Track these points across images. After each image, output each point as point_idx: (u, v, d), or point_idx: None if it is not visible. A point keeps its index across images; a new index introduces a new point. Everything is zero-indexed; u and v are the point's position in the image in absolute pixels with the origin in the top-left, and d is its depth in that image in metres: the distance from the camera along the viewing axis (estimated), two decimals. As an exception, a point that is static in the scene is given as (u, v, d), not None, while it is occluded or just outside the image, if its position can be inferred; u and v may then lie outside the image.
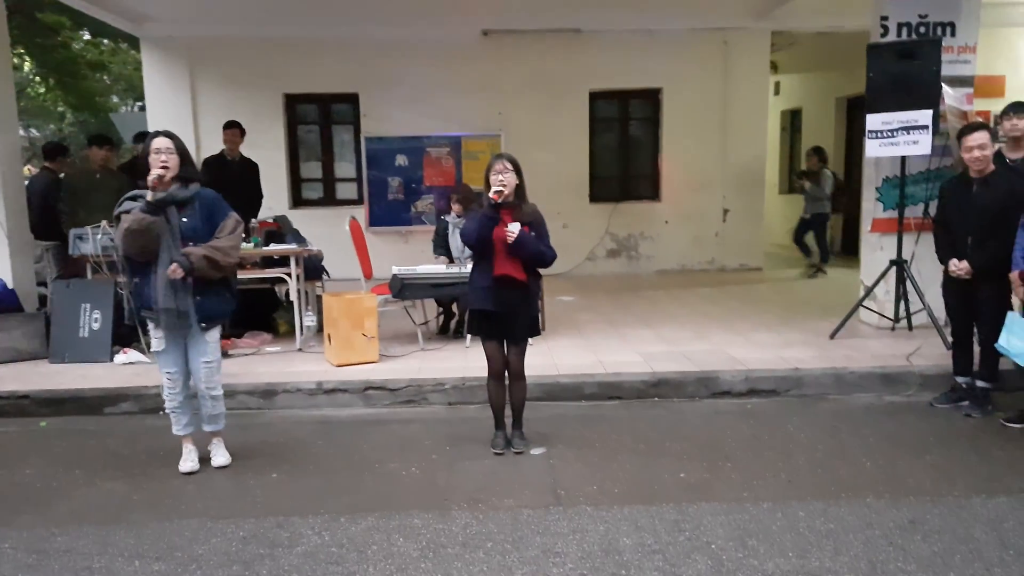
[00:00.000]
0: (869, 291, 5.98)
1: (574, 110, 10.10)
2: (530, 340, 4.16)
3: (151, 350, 3.86)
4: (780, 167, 13.55)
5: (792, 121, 13.31)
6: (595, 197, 10.27)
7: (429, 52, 9.82)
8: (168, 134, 3.75)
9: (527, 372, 4.12)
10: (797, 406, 4.80)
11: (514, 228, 3.82)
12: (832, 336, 5.81)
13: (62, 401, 4.96)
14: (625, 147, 10.54)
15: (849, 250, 11.12)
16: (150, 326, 3.82)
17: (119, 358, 5.66)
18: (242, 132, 6.95)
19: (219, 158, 7.13)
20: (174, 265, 3.65)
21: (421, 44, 9.77)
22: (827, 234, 9.64)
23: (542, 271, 4.09)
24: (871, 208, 6.22)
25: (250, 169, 6.98)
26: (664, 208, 10.26)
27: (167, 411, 3.93)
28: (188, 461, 3.92)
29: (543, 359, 5.47)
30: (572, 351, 5.73)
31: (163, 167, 3.61)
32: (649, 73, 10.01)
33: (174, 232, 3.66)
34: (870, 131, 5.67)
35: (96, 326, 5.78)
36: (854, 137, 11.04)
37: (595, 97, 10.22)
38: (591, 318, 7.07)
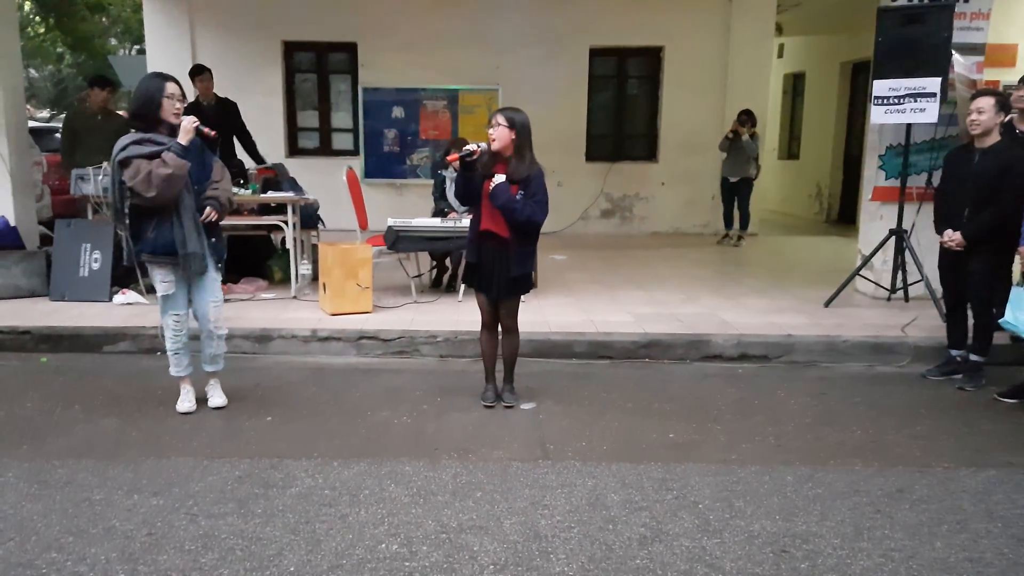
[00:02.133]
0: (867, 260, 5.97)
1: (573, 66, 9.95)
2: (522, 297, 4.13)
3: (159, 293, 3.84)
4: (780, 132, 13.45)
5: (794, 85, 13.17)
6: (591, 156, 10.20)
7: (428, 2, 9.60)
8: (175, 79, 3.77)
9: (519, 329, 4.13)
10: (788, 372, 4.83)
11: (497, 179, 3.79)
12: (827, 304, 5.83)
13: (61, 338, 4.98)
14: (623, 106, 10.42)
15: (846, 218, 11.12)
16: (156, 271, 3.79)
17: (118, 298, 5.66)
18: (211, 75, 6.81)
19: (194, 105, 6.97)
20: (208, 208, 3.78)
21: (421, -8, 9.55)
22: (749, 200, 9.29)
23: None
24: (872, 176, 6.17)
25: (229, 110, 6.84)
26: (660, 169, 10.20)
27: (170, 352, 3.93)
28: (186, 401, 3.95)
29: (534, 316, 5.48)
30: (563, 309, 5.74)
31: (176, 112, 3.67)
32: (651, 31, 9.85)
33: (189, 177, 3.70)
34: (876, 97, 5.60)
35: (96, 266, 5.76)
36: (856, 103, 10.94)
37: (595, 54, 10.07)
38: (582, 277, 7.07)
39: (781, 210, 12.90)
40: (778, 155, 13.40)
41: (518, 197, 3.78)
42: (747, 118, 8.86)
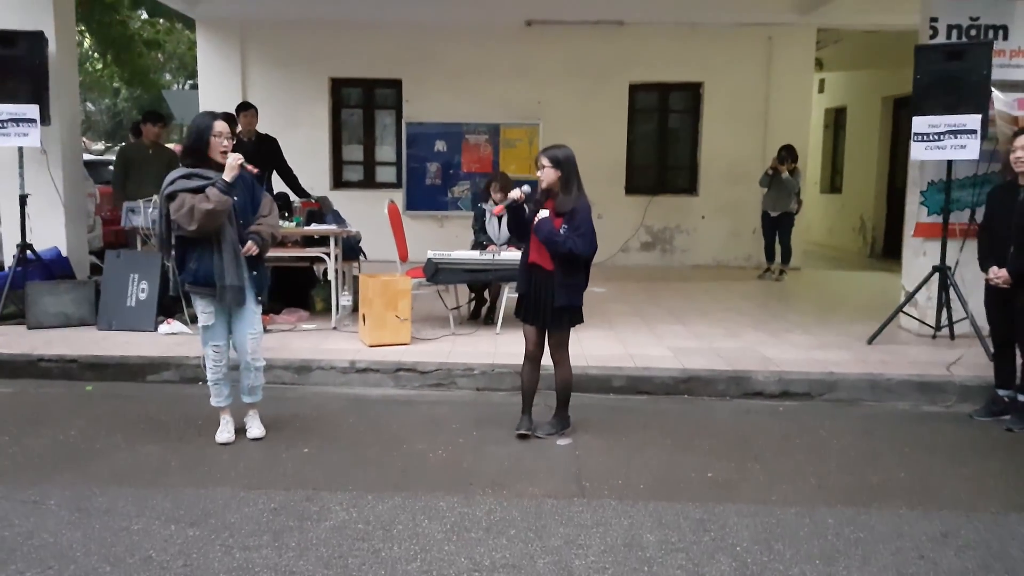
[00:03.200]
0: (910, 296, 5.86)
1: (613, 101, 10.04)
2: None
3: (198, 324, 3.96)
4: (823, 165, 13.31)
5: (836, 119, 13.06)
6: (631, 189, 10.23)
7: (472, 38, 9.84)
8: (225, 116, 3.99)
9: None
10: (830, 410, 4.73)
11: (541, 214, 3.93)
12: (870, 341, 5.71)
13: (107, 366, 5.12)
14: (663, 139, 10.46)
15: (891, 252, 10.90)
16: (198, 301, 3.91)
17: (163, 328, 5.82)
18: (255, 112, 7.03)
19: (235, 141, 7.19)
20: (250, 243, 3.89)
21: (464, 30, 9.79)
22: (791, 235, 9.11)
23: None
24: (915, 211, 6.08)
25: (268, 146, 7.04)
26: (701, 202, 10.17)
27: (210, 383, 4.03)
28: (225, 432, 4.03)
29: (572, 348, 5.33)
30: (602, 342, 5.72)
31: (224, 149, 3.81)
32: (691, 66, 9.91)
33: (233, 211, 3.84)
34: (916, 134, 5.54)
35: (143, 296, 5.94)
36: (899, 138, 10.79)
37: (635, 88, 10.16)
38: (622, 310, 7.05)
39: (825, 243, 12.72)
40: (820, 189, 13.25)
41: (562, 230, 3.87)
42: (787, 154, 8.79)
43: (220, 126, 3.85)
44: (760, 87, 9.90)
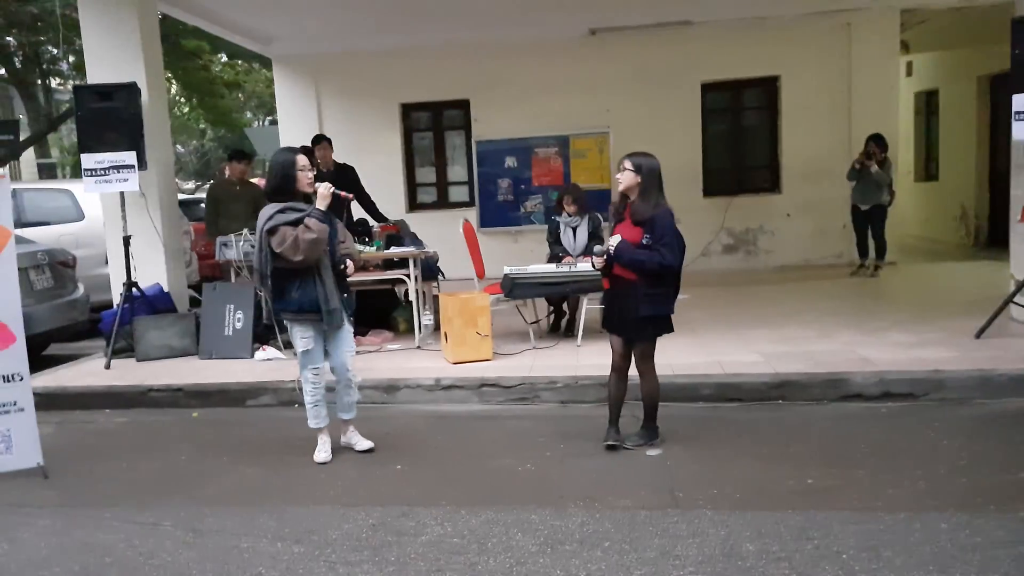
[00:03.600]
0: (1020, 285, 5.48)
1: (684, 103, 9.87)
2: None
3: (299, 349, 4.12)
4: (915, 153, 12.64)
5: (927, 103, 12.39)
6: (709, 191, 10.00)
7: (535, 53, 9.88)
8: (303, 149, 4.27)
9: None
10: (937, 410, 4.46)
11: (614, 240, 3.90)
12: (978, 335, 5.36)
13: (210, 394, 5.38)
14: (740, 138, 10.20)
15: (998, 241, 10.23)
16: (298, 328, 4.06)
17: (259, 355, 6.07)
18: (329, 143, 7.27)
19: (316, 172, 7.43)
20: (350, 262, 4.17)
21: (528, 45, 9.85)
22: (884, 227, 8.60)
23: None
24: (1021, 195, 5.70)
25: (347, 175, 7.25)
26: (784, 200, 9.84)
27: (309, 405, 4.17)
28: (323, 452, 4.15)
29: (657, 358, 5.35)
30: (687, 350, 5.58)
31: (310, 181, 4.01)
32: (764, 61, 9.63)
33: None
34: (1017, 112, 5.19)
35: (239, 325, 6.22)
36: (999, 118, 10.13)
37: (707, 88, 9.96)
38: (706, 316, 6.87)
39: (923, 235, 12.05)
40: (915, 177, 12.57)
41: (644, 241, 3.83)
42: (875, 145, 8.40)
43: (302, 160, 4.04)
44: (841, 77, 9.52)
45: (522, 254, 8.95)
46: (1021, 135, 5.27)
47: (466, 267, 6.68)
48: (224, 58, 18.04)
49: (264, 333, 6.26)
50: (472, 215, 10.11)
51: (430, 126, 10.83)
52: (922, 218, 12.26)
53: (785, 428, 4.33)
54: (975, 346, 5.22)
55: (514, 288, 5.99)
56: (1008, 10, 5.66)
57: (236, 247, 6.27)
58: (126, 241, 6.30)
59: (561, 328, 6.53)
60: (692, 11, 9.32)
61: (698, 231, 9.68)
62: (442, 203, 10.72)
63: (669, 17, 9.40)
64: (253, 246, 5.98)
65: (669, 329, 4.08)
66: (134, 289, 6.33)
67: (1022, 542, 2.85)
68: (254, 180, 9.83)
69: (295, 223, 3.89)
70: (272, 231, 3.90)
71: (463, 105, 10.44)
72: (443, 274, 7.16)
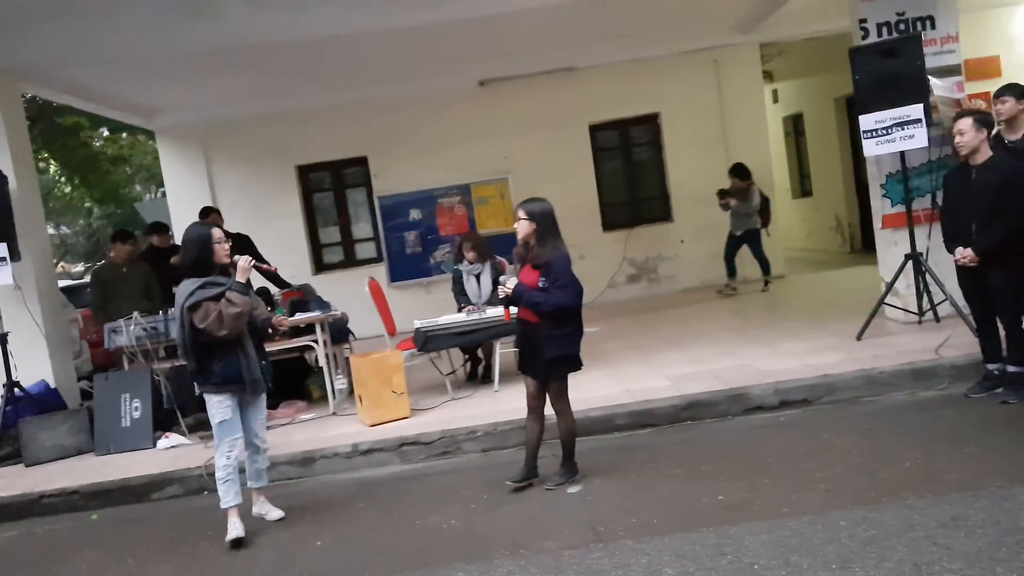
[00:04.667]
0: (889, 287, 5.94)
1: (576, 144, 10.28)
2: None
3: (217, 420, 4.03)
4: (790, 172, 13.56)
5: (795, 126, 13.35)
6: (608, 225, 10.38)
7: (429, 106, 10.11)
8: (214, 223, 4.41)
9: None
10: (830, 412, 4.77)
11: (511, 283, 4.02)
12: (859, 337, 5.77)
13: (109, 492, 5.08)
14: (631, 173, 10.67)
15: (870, 246, 11.02)
16: (217, 399, 4.00)
17: (161, 443, 5.80)
18: (219, 215, 7.21)
19: None
20: (280, 318, 4.37)
21: (422, 100, 10.07)
22: (762, 247, 9.22)
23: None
24: (880, 205, 6.22)
25: (243, 244, 7.17)
26: (678, 228, 10.32)
27: (222, 482, 4.03)
28: (235, 529, 4.00)
29: (572, 394, 5.37)
30: (601, 382, 5.75)
31: (227, 253, 4.07)
32: (645, 99, 10.18)
33: None
34: (865, 131, 5.72)
35: (137, 414, 5.95)
36: (857, 135, 11.01)
37: (595, 128, 10.41)
38: (618, 346, 7.09)
39: (806, 247, 12.87)
40: (792, 195, 13.47)
41: (541, 284, 3.96)
42: (735, 178, 8.96)
43: (218, 233, 4.09)
44: (714, 108, 10.16)
45: (436, 304, 8.98)
46: (871, 150, 5.79)
47: (379, 325, 6.66)
48: (106, 132, 17.42)
49: (166, 419, 6.00)
50: (381, 271, 10.12)
51: (330, 186, 10.82)
52: (804, 232, 13.12)
53: (696, 448, 4.50)
54: (858, 347, 5.60)
55: (427, 341, 6.02)
56: (851, 39, 6.24)
57: (127, 332, 6.00)
58: (3, 339, 5.98)
59: (478, 376, 6.59)
60: (574, 58, 9.80)
61: (602, 264, 10.05)
62: (349, 262, 10.67)
63: (553, 65, 9.86)
64: (145, 329, 5.87)
65: (577, 367, 4.20)
66: (16, 389, 5.99)
67: (913, 527, 3.08)
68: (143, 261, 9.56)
69: (216, 298, 3.91)
70: (194, 307, 3.91)
71: (362, 162, 10.49)
72: (354, 335, 7.11)
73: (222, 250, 4.04)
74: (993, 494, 3.27)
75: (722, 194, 9.06)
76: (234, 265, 4.08)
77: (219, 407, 4.02)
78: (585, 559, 3.27)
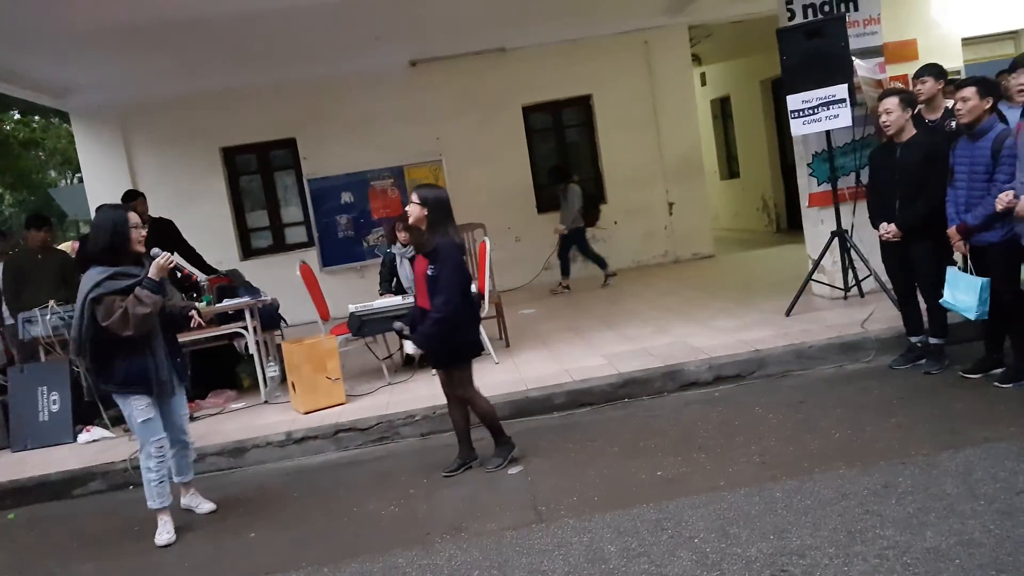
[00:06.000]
0: (816, 264, 6.12)
1: (509, 125, 10.20)
2: (495, 358, 4.18)
3: (138, 420, 3.79)
4: (718, 154, 13.84)
5: (723, 108, 13.62)
6: (542, 207, 10.36)
7: (361, 88, 9.86)
8: (131, 207, 3.96)
9: (497, 391, 4.18)
10: (762, 387, 4.88)
11: (408, 347, 4.03)
12: (788, 313, 5.93)
13: (27, 490, 4.80)
14: (564, 154, 10.66)
15: (795, 225, 11.38)
16: (132, 400, 3.76)
17: (83, 437, 5.52)
18: (144, 199, 6.88)
19: None
20: (193, 312, 3.95)
21: (352, 81, 9.81)
22: (589, 244, 9.35)
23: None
24: (806, 184, 6.39)
25: (166, 229, 6.89)
26: (611, 209, 10.37)
27: (152, 483, 3.82)
28: (165, 533, 3.83)
29: (510, 375, 5.49)
30: (539, 363, 5.76)
31: (141, 240, 3.75)
32: (578, 81, 10.17)
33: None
34: (792, 111, 5.84)
35: (55, 408, 5.64)
36: (782, 116, 11.32)
37: (529, 110, 10.35)
38: (554, 327, 7.11)
39: (734, 227, 13.19)
40: (720, 176, 13.76)
41: (429, 272, 3.90)
42: (556, 176, 9.03)
43: (134, 217, 3.77)
44: (645, 90, 10.24)
45: (370, 289, 8.77)
46: (798, 130, 5.92)
47: (312, 310, 6.48)
48: (17, 115, 16.43)
49: (87, 412, 5.69)
50: (312, 255, 9.85)
51: (257, 168, 10.44)
52: (732, 212, 13.45)
53: (633, 425, 4.55)
54: (787, 323, 5.76)
55: (362, 326, 5.88)
56: (778, 21, 6.35)
57: (43, 322, 5.66)
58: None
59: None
60: (506, 39, 9.70)
61: (537, 246, 10.04)
62: (279, 246, 10.35)
63: (485, 46, 9.73)
64: (63, 318, 5.53)
65: (476, 352, 4.16)
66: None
67: (845, 496, 3.17)
68: (65, 245, 9.00)
69: (126, 291, 3.61)
70: (98, 300, 3.59)
71: (290, 144, 10.16)
72: (286, 321, 6.90)
73: (137, 237, 3.72)
74: (920, 461, 3.40)
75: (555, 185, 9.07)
76: (150, 255, 3.77)
77: (137, 407, 3.77)
78: (527, 539, 3.26)
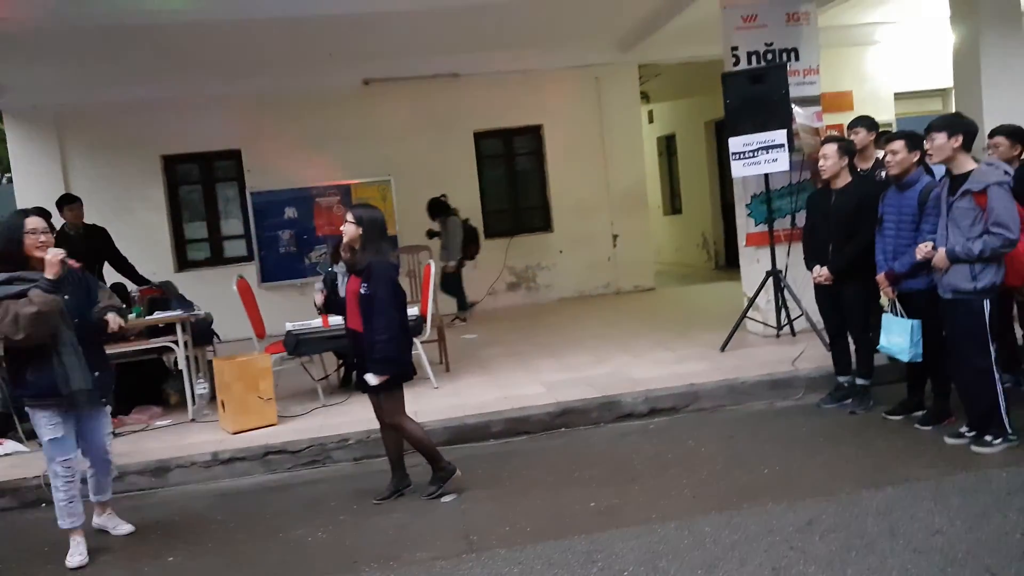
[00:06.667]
0: (751, 302, 6.30)
1: (460, 150, 10.24)
2: (434, 382, 4.15)
3: (45, 438, 3.63)
4: (662, 190, 14.18)
5: (668, 146, 13.98)
6: (490, 232, 10.38)
7: (310, 102, 9.75)
8: (39, 212, 3.78)
9: (435, 416, 4.13)
10: (696, 420, 4.97)
11: (370, 379, 3.90)
12: (723, 348, 6.07)
13: (-73, 507, 4.51)
14: (514, 182, 10.75)
15: (733, 263, 11.70)
16: (40, 414, 3.59)
17: (-7, 451, 5.23)
18: (80, 204, 6.67)
19: (62, 235, 6.73)
20: (111, 316, 3.73)
21: (302, 95, 9.69)
22: (462, 282, 9.38)
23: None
24: (744, 223, 6.59)
25: (98, 236, 6.69)
26: (557, 238, 10.50)
27: (62, 502, 3.66)
28: (77, 555, 3.66)
29: (450, 400, 5.45)
30: (479, 388, 5.73)
31: (40, 246, 3.56)
32: (529, 111, 10.29)
33: (65, 311, 3.60)
34: (733, 153, 6.04)
35: (-34, 419, 5.33)
36: (724, 157, 11.68)
37: (480, 136, 10.41)
38: (496, 352, 7.10)
39: (675, 261, 13.47)
40: (664, 211, 14.08)
41: (362, 291, 3.89)
42: (433, 208, 9.05)
43: (33, 222, 3.60)
44: (594, 124, 10.42)
45: (309, 306, 8.61)
46: (738, 172, 6.13)
47: (248, 327, 6.31)
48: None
49: (1, 424, 5.40)
50: (251, 270, 9.61)
51: (198, 179, 10.18)
52: (674, 247, 13.75)
53: (570, 455, 4.56)
54: (722, 358, 5.89)
55: (298, 345, 5.76)
56: (723, 66, 6.58)
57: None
58: None
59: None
60: (460, 65, 9.78)
61: (483, 271, 10.06)
62: (217, 259, 10.07)
63: (439, 70, 9.79)
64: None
65: (407, 377, 4.10)
66: None
67: (771, 531, 3.24)
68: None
69: (19, 295, 3.45)
70: None
71: (235, 155, 9.95)
72: (219, 336, 6.70)
73: (34, 242, 3.55)
74: (843, 499, 3.50)
75: (430, 235, 9.17)
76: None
77: (45, 425, 3.60)
78: (456, 570, 3.22)
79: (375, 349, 3.85)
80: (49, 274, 3.52)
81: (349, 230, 3.92)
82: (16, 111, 9.41)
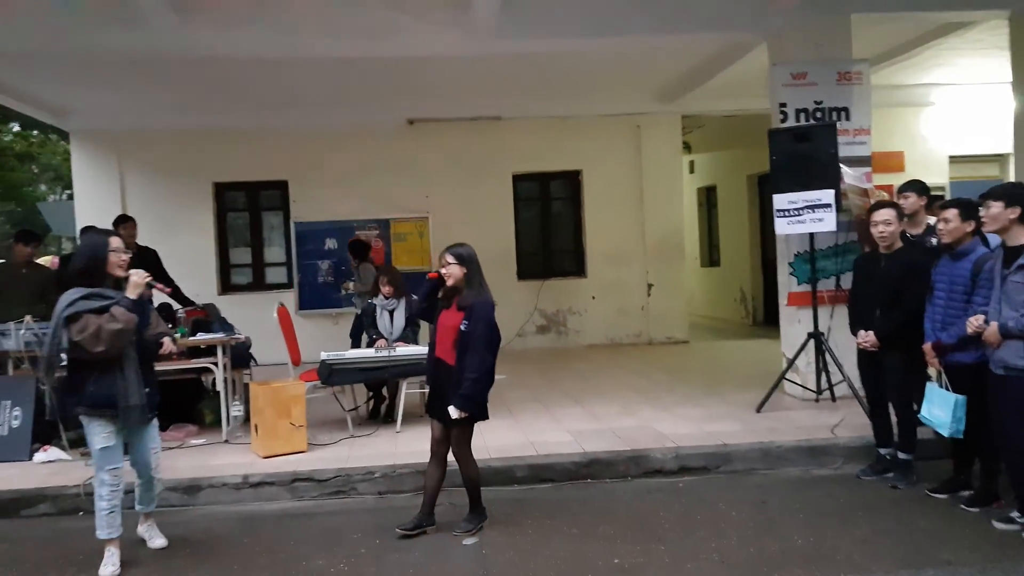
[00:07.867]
0: (791, 363, 6.17)
1: (498, 191, 10.39)
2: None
3: (97, 447, 3.74)
4: (700, 241, 14.12)
5: (708, 197, 13.96)
6: (523, 274, 10.46)
7: (355, 138, 10.03)
8: (116, 232, 4.06)
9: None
10: (727, 482, 4.86)
11: (452, 412, 3.97)
12: (758, 409, 5.94)
13: (-26, 506, 4.61)
14: (549, 226, 10.84)
15: (771, 320, 11.54)
16: (95, 424, 3.71)
17: (38, 456, 5.38)
18: (134, 224, 6.89)
19: None
20: (167, 340, 3.94)
21: (348, 132, 9.98)
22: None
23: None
24: (786, 282, 6.48)
25: (148, 258, 6.88)
26: (590, 284, 10.51)
27: (104, 512, 3.74)
28: (110, 565, 3.74)
29: (473, 442, 5.39)
30: (502, 432, 5.68)
31: (122, 265, 3.77)
32: (568, 156, 10.43)
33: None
34: (778, 210, 5.99)
35: (16, 424, 5.51)
36: (766, 211, 11.62)
37: (518, 179, 10.55)
38: (521, 396, 7.07)
39: (709, 315, 13.35)
40: (701, 263, 14.00)
41: (462, 327, 3.97)
42: (354, 249, 8.66)
43: (116, 242, 3.82)
44: (634, 172, 10.50)
45: (343, 336, 8.70)
46: (782, 229, 6.06)
47: (284, 352, 6.41)
48: (16, 127, 16.39)
49: (46, 431, 5.55)
50: (290, 297, 9.81)
51: (245, 206, 10.47)
52: (709, 300, 13.63)
53: (594, 507, 4.49)
54: (756, 419, 5.76)
55: (331, 374, 5.83)
56: (769, 119, 6.58)
57: (15, 336, 5.59)
58: None
59: (380, 414, 6.40)
60: (502, 108, 9.98)
61: (513, 312, 10.08)
62: (258, 285, 10.30)
63: (481, 112, 10.00)
64: (36, 335, 5.44)
65: (484, 416, 4.15)
66: None
67: (799, 604, 3.14)
68: (46, 259, 8.86)
69: (100, 311, 3.60)
70: (73, 318, 3.59)
71: (282, 186, 10.24)
72: (255, 360, 6.80)
73: (117, 260, 3.76)
74: (879, 578, 3.37)
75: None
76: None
77: (97, 433, 3.72)
78: (477, 616, 3.17)
79: (463, 386, 3.94)
80: (132, 294, 3.71)
81: (455, 271, 4.02)
82: (80, 133, 9.89)
